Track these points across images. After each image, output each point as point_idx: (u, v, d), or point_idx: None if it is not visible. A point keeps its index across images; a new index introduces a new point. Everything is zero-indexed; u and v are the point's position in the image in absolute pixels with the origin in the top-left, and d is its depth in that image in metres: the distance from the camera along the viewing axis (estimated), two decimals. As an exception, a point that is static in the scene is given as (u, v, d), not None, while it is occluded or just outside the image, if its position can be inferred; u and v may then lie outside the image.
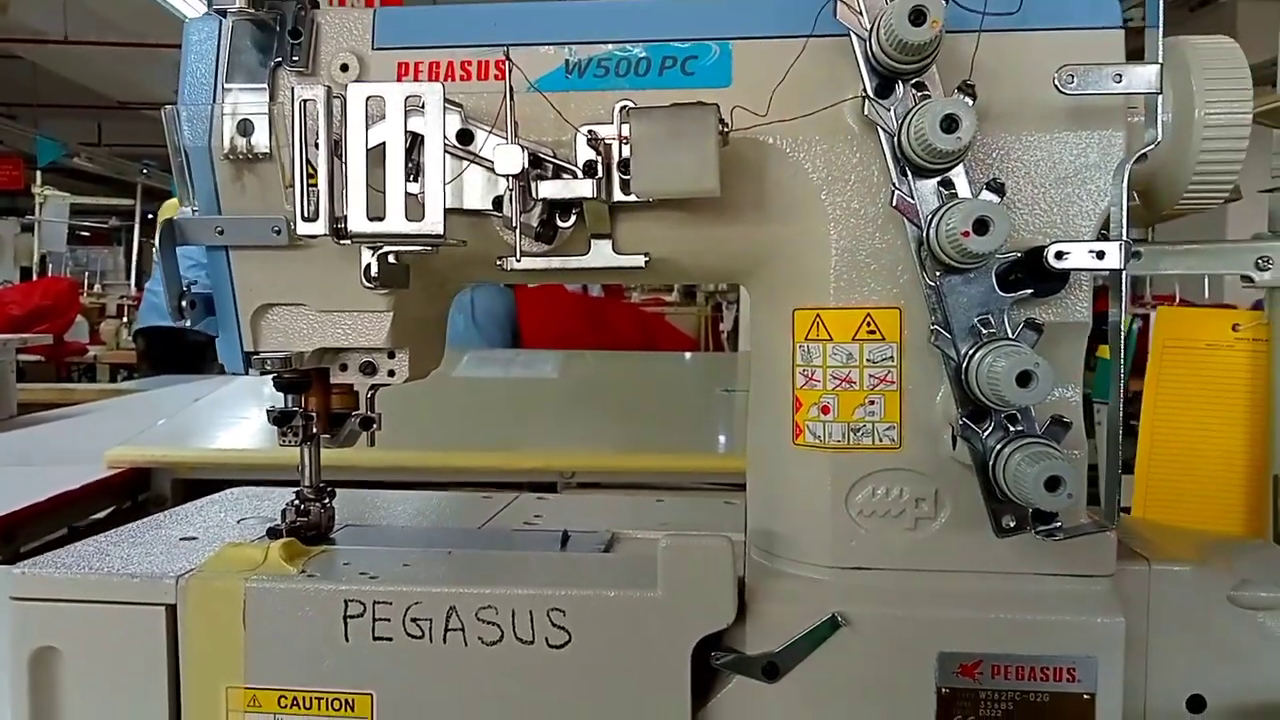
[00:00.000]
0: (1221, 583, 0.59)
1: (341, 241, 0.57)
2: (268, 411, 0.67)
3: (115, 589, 0.60)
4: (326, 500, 0.71)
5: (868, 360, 0.59)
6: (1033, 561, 0.58)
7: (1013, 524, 0.55)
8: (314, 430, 0.68)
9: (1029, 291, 0.55)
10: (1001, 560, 0.58)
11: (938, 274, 0.55)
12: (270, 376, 0.67)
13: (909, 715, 0.57)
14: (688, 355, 3.07)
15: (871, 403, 0.59)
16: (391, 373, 0.68)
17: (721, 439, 1.55)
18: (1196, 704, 0.59)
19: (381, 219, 0.56)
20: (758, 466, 0.66)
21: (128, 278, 7.33)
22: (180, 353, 3.24)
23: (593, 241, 0.61)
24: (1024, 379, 0.50)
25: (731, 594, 0.56)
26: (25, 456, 1.86)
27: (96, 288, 5.82)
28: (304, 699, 0.59)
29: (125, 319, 4.91)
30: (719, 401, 1.79)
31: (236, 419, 1.76)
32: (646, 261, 0.61)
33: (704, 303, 4.53)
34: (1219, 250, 1.00)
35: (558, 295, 3.93)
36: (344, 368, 0.68)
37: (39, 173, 6.10)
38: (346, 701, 0.59)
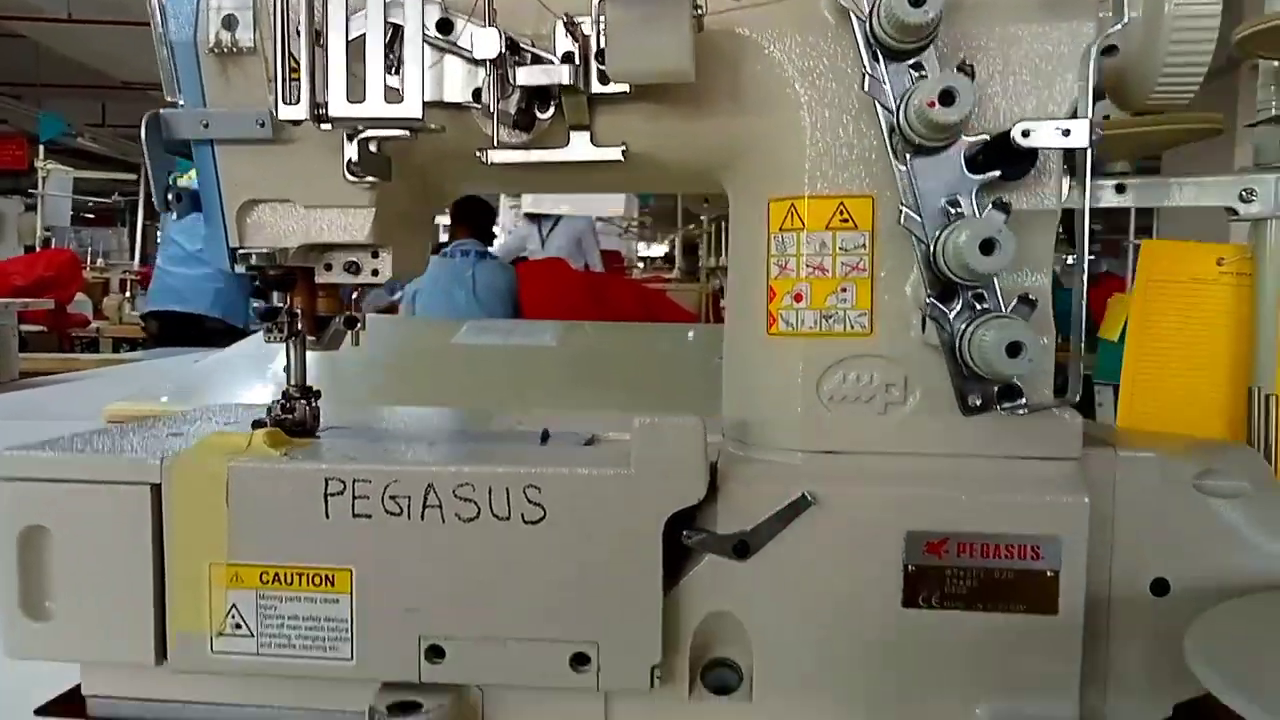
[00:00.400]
0: (1187, 470, 0.60)
1: (322, 126, 0.58)
2: (254, 308, 0.69)
3: (100, 468, 0.62)
4: (312, 401, 0.72)
5: (840, 248, 0.60)
6: (1000, 444, 0.59)
7: (979, 403, 0.57)
8: (299, 328, 0.70)
9: (997, 174, 0.56)
10: (969, 443, 0.59)
11: (908, 156, 0.56)
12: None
13: (877, 591, 0.58)
14: (689, 332, 3.07)
15: (844, 290, 0.60)
16: (375, 272, 0.69)
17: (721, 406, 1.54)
18: (1160, 587, 0.60)
19: (361, 102, 0.57)
20: (733, 361, 0.67)
21: (131, 258, 7.35)
22: (196, 338, 3.19)
23: (571, 134, 0.62)
24: (987, 246, 0.51)
25: (702, 470, 0.57)
26: (24, 414, 1.88)
27: (100, 262, 5.83)
28: (285, 574, 0.60)
29: (128, 294, 4.94)
30: (717, 370, 1.80)
31: (239, 380, 1.77)
32: (624, 152, 0.62)
33: (705, 280, 4.54)
34: (1203, 184, 1.01)
35: (559, 270, 3.95)
36: (329, 267, 0.69)
37: (41, 148, 6.12)
38: (327, 577, 0.60)
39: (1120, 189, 1.00)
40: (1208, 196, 1.00)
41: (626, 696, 0.61)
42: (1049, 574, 0.57)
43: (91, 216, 10.25)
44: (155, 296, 3.40)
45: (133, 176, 6.47)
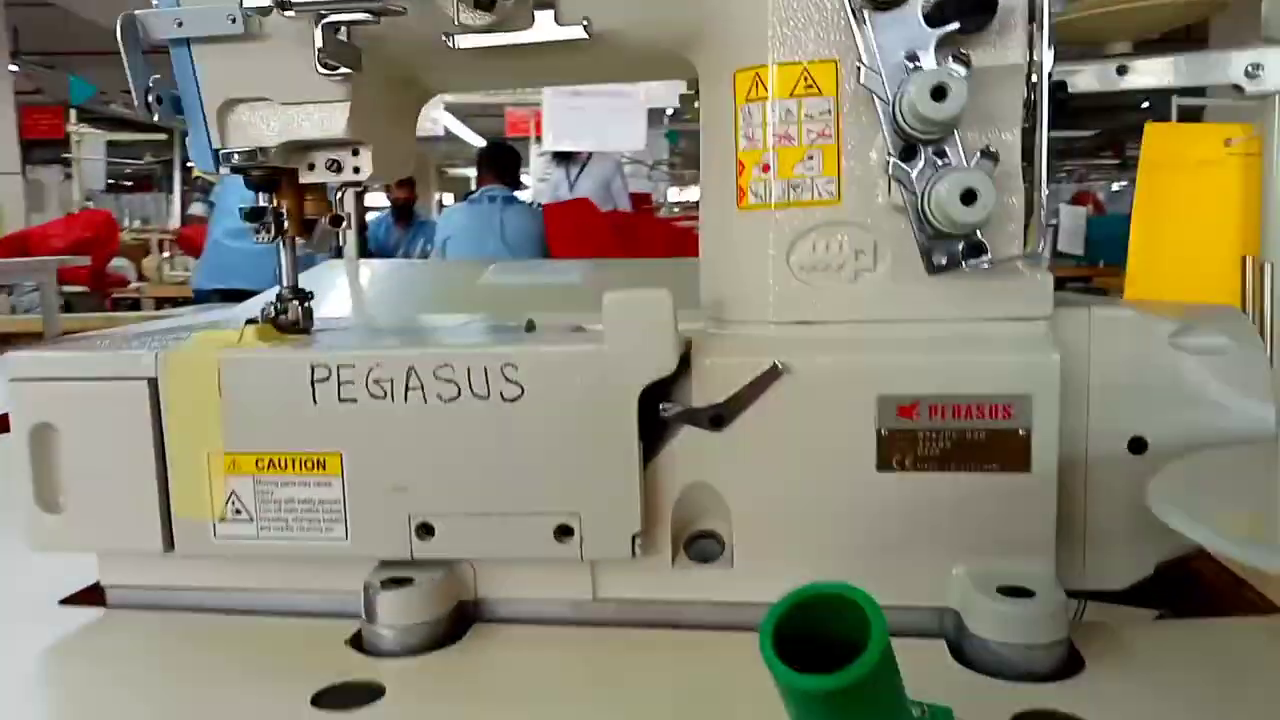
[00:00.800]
0: (1164, 328, 0.60)
1: (285, 13, 0.59)
2: (240, 209, 0.70)
3: (101, 365, 0.64)
4: (305, 301, 0.74)
5: (806, 115, 0.60)
6: (970, 306, 0.59)
7: (944, 261, 0.57)
8: (286, 228, 0.71)
9: (955, 26, 0.55)
10: (940, 307, 0.59)
11: (867, 14, 0.55)
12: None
13: (851, 456, 0.59)
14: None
15: (810, 158, 0.60)
16: (357, 169, 0.70)
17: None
18: (1138, 445, 0.60)
19: (323, -14, 0.58)
20: (707, 239, 0.67)
21: (169, 220, 7.48)
22: None
23: (535, 14, 0.62)
24: (939, 92, 0.50)
25: (672, 341, 0.58)
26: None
27: (136, 223, 5.94)
28: (280, 460, 0.63)
29: (167, 254, 5.04)
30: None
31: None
32: (586, 28, 0.62)
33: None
34: (1207, 59, 0.98)
35: (585, 211, 3.94)
36: (311, 167, 0.70)
37: (74, 112, 6.20)
38: (319, 461, 0.62)
39: (1122, 70, 0.98)
40: (1212, 74, 0.98)
41: (612, 567, 0.63)
42: (1021, 433, 0.58)
43: (130, 184, 10.42)
44: (213, 272, 3.19)
45: (164, 137, 6.61)
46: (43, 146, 8.00)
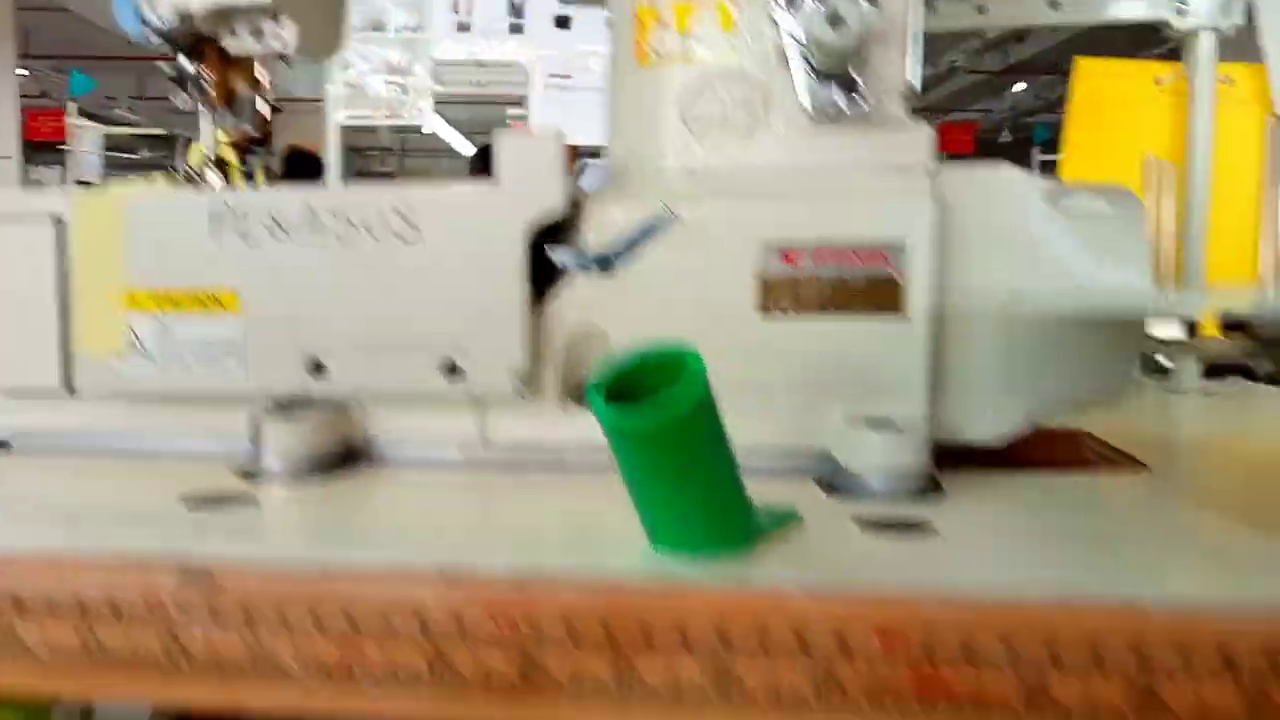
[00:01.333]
0: (1043, 186, 0.61)
1: None
2: (166, 76, 0.72)
3: (10, 202, 0.66)
4: (226, 172, 0.75)
5: (700, -29, 0.62)
6: (854, 156, 0.61)
7: (824, 104, 0.58)
8: (210, 96, 0.73)
9: (837, -126, 0.57)
10: (826, 157, 0.61)
11: None
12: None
13: (735, 301, 0.60)
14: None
15: (706, 12, 0.62)
16: (279, 38, 0.72)
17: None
18: (1013, 300, 0.61)
19: None
20: (612, 101, 0.69)
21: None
22: None
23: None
24: (808, -78, 0.52)
25: (560, 180, 0.60)
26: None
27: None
28: (179, 298, 0.64)
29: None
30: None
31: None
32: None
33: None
34: (1135, -3, 1.01)
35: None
36: (234, 34, 0.72)
37: (73, 105, 6.27)
38: (215, 298, 0.64)
39: (1054, 5, 1.01)
40: (1141, 10, 1.00)
41: (500, 410, 0.64)
42: (897, 280, 0.59)
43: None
44: None
45: (160, 131, 6.81)
46: (45, 150, 8.07)
